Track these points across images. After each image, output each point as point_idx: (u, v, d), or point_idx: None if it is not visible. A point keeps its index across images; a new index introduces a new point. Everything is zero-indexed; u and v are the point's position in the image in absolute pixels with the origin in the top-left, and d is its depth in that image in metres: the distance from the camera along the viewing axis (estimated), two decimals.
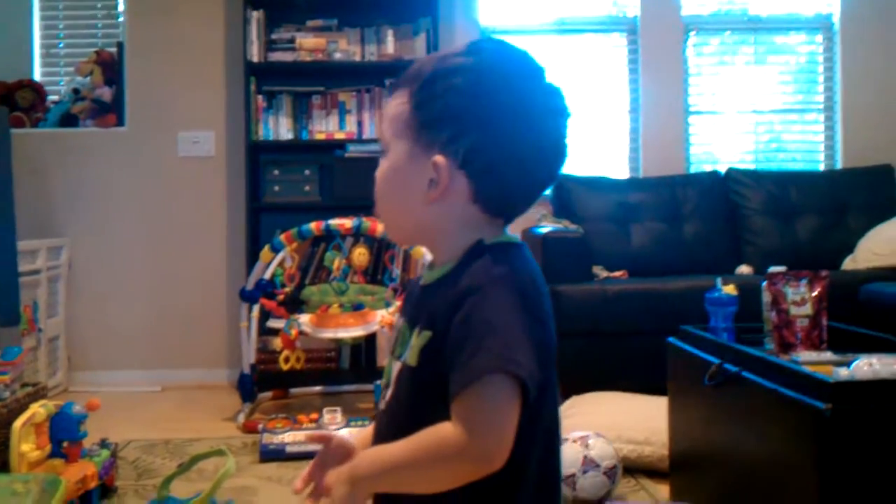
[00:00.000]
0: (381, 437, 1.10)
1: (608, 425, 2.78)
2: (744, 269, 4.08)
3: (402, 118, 1.11)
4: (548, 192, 4.44)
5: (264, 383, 3.96)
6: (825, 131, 4.91)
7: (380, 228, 3.66)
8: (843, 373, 1.81)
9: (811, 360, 2.08)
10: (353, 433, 1.32)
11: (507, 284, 1.01)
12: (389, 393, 1.11)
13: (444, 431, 0.97)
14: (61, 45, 4.92)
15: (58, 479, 2.24)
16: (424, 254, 3.73)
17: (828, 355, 2.17)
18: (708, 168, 4.77)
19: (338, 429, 3.18)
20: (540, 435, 1.06)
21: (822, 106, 4.91)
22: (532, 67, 1.13)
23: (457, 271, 1.06)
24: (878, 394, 1.72)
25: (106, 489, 2.67)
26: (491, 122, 1.07)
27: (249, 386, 3.72)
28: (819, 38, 4.92)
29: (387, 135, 1.14)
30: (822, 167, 4.89)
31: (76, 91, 4.72)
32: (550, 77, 1.14)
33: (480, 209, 1.09)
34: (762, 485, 1.98)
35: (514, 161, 1.08)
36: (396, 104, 1.13)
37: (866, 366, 1.81)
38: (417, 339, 1.06)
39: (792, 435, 1.81)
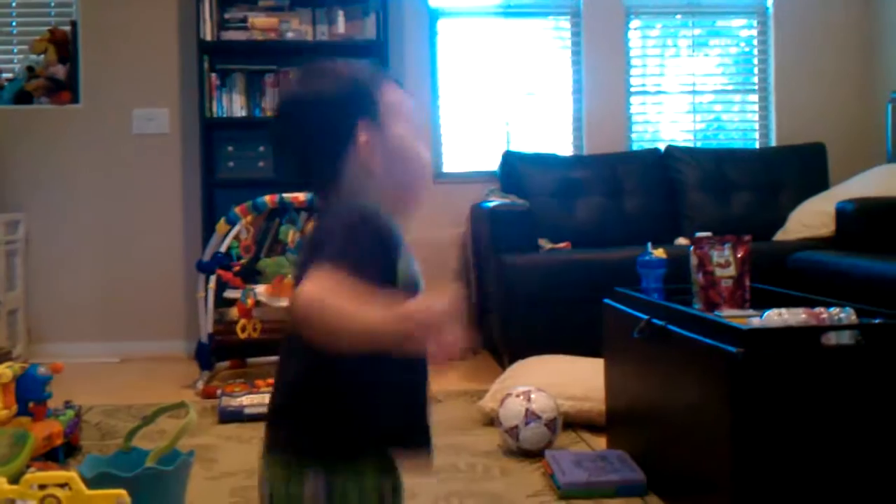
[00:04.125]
0: None
1: (550, 383, 2.94)
2: (682, 242, 4.28)
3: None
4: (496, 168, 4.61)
5: (221, 353, 4.07)
6: (760, 111, 5.13)
7: None
8: (755, 321, 2.00)
9: (732, 315, 2.26)
10: None
11: None
12: None
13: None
14: (14, 24, 4.95)
15: (27, 433, 2.36)
16: None
17: (749, 312, 2.35)
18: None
19: None
20: None
21: (757, 87, 5.13)
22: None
23: None
24: (786, 340, 1.90)
25: (71, 448, 2.79)
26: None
27: (207, 355, 3.84)
28: (755, 21, 5.14)
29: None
30: (758, 146, 5.12)
31: (30, 69, 4.77)
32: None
33: None
34: (685, 429, 2.16)
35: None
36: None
37: (776, 315, 2.00)
38: None
39: (709, 380, 1.99)
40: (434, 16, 4.92)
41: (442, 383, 3.83)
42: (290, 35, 4.55)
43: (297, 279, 1.12)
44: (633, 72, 5.06)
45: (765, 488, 1.86)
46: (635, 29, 5.07)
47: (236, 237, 3.90)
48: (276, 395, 1.25)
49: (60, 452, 2.67)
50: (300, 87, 1.28)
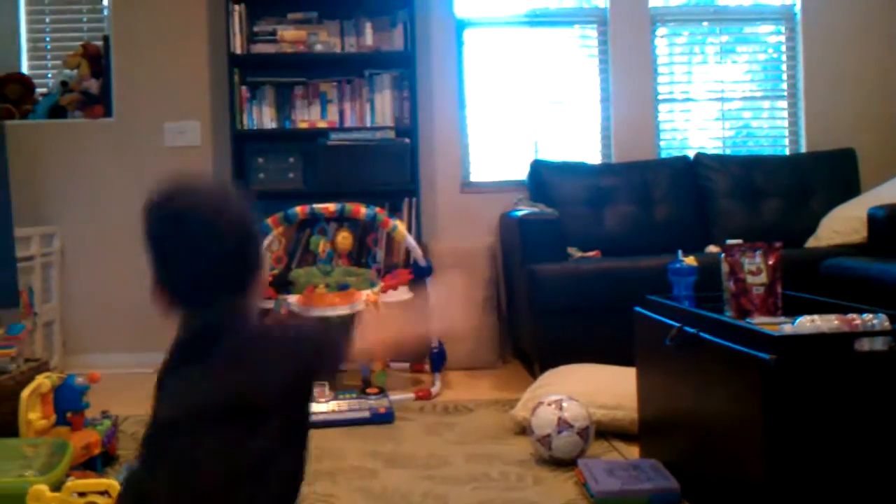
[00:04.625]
0: None
1: (582, 392, 2.95)
2: (712, 249, 4.26)
3: None
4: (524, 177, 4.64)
5: None
6: (789, 118, 5.11)
7: (362, 212, 3.83)
8: (787, 328, 1.99)
9: (764, 322, 2.26)
10: None
11: None
12: None
13: None
14: (48, 39, 5.04)
15: (65, 443, 2.39)
16: (406, 236, 3.90)
17: (781, 319, 2.35)
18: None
19: (326, 402, 3.36)
20: None
21: (786, 93, 5.11)
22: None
23: None
24: (819, 346, 1.90)
25: (108, 457, 2.83)
26: None
27: None
28: (783, 27, 5.12)
29: None
30: (787, 152, 5.09)
31: (64, 83, 4.85)
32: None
33: None
34: (718, 437, 2.16)
35: None
36: None
37: (809, 322, 1.99)
38: None
39: (742, 387, 1.98)
40: (461, 26, 4.95)
41: (473, 392, 3.85)
42: (318, 47, 4.60)
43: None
44: (660, 79, 5.06)
45: (799, 496, 1.86)
46: (662, 36, 5.07)
47: (268, 248, 3.94)
48: None
49: (98, 462, 2.71)
50: (222, 198, 1.43)
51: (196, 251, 1.34)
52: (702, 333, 2.20)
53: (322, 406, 3.38)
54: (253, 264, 1.40)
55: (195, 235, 1.34)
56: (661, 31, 5.05)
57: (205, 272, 1.35)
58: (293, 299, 3.76)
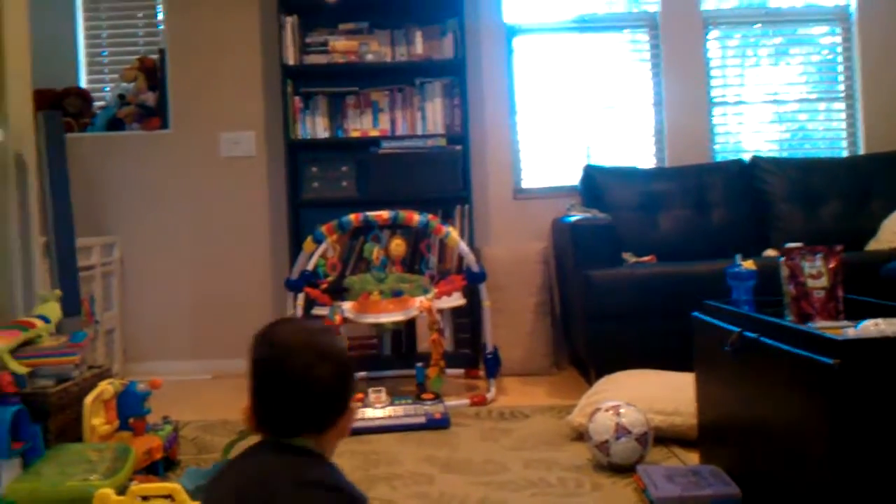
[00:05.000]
0: None
1: (640, 397, 2.93)
2: (770, 253, 4.21)
3: None
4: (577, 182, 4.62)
5: None
6: (847, 119, 5.03)
7: (415, 219, 3.84)
8: (850, 332, 1.96)
9: (826, 326, 2.22)
10: None
11: None
12: None
13: None
14: (105, 53, 5.14)
15: (128, 448, 2.44)
16: (459, 242, 3.90)
17: (843, 323, 2.31)
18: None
19: (383, 407, 3.38)
20: None
21: (843, 94, 5.03)
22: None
23: None
24: (884, 350, 1.86)
25: (170, 462, 2.87)
26: None
27: None
28: (838, 28, 5.04)
29: None
30: (845, 154, 5.01)
31: (122, 96, 4.95)
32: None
33: None
34: (781, 443, 2.12)
35: None
36: None
37: (873, 325, 1.96)
38: None
39: (805, 392, 1.95)
40: (510, 33, 4.96)
41: (528, 398, 3.84)
42: (369, 57, 4.63)
43: None
44: (713, 82, 5.01)
45: (864, 502, 1.82)
46: (714, 39, 5.02)
47: (323, 255, 3.98)
48: None
49: (160, 466, 2.75)
50: (324, 346, 1.47)
51: (291, 393, 1.40)
52: (762, 338, 2.17)
53: (378, 411, 3.40)
54: (340, 410, 1.45)
55: (293, 380, 1.41)
56: (713, 33, 5.01)
57: (295, 412, 1.41)
58: (347, 306, 3.79)
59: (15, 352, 2.79)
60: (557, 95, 5.00)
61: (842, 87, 5.04)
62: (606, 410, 2.74)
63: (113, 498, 1.96)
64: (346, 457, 3.00)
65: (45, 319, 3.00)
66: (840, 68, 5.05)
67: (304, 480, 1.35)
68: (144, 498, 1.98)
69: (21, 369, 2.73)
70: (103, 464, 2.30)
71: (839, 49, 5.05)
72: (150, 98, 4.94)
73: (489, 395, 3.82)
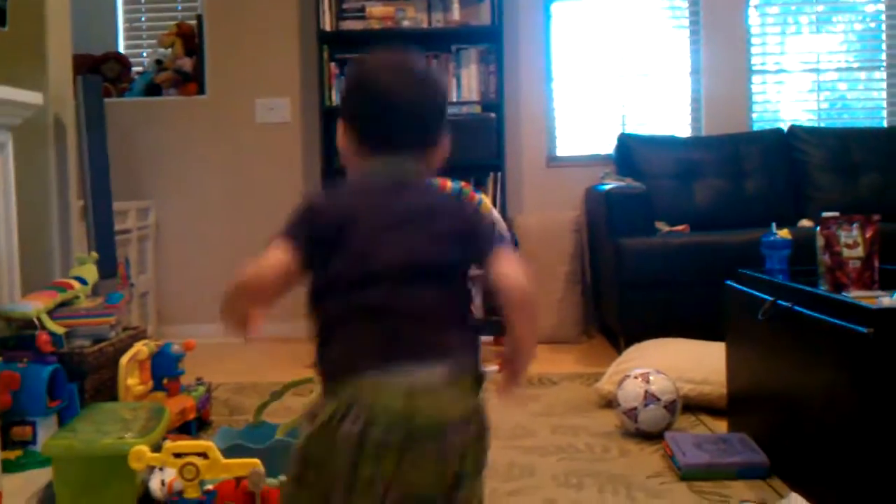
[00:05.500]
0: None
1: (669, 366, 2.92)
2: (805, 223, 4.16)
3: None
4: (610, 151, 4.58)
5: None
6: (888, 89, 4.93)
7: (448, 186, 3.83)
8: (885, 301, 1.94)
9: (860, 295, 2.20)
10: None
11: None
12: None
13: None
14: (143, 19, 5.18)
15: (162, 407, 2.47)
16: (492, 210, 3.88)
17: (878, 293, 2.28)
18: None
19: None
20: None
21: (885, 63, 4.93)
22: (369, 70, 1.44)
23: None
24: None
25: (202, 422, 2.92)
26: (346, 99, 1.45)
27: None
28: None
29: None
30: (885, 124, 4.92)
31: (159, 62, 4.98)
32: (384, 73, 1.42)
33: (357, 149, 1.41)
34: (812, 413, 2.11)
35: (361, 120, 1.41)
36: None
37: None
38: None
39: (838, 362, 1.94)
40: (548, 0, 4.91)
41: (557, 366, 3.85)
42: (406, 23, 4.61)
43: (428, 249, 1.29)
44: (753, 50, 4.93)
45: (894, 472, 1.81)
46: (754, 7, 4.94)
47: None
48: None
49: (193, 426, 2.79)
50: (428, 67, 1.49)
51: (419, 93, 1.40)
52: (796, 307, 2.16)
53: None
54: (444, 125, 1.45)
55: (420, 77, 1.42)
56: (753, 0, 4.92)
57: (422, 116, 1.41)
58: None
59: (52, 312, 2.84)
60: (594, 63, 4.96)
61: (884, 55, 4.94)
62: (635, 378, 2.74)
63: (148, 455, 1.99)
64: None
65: (83, 281, 3.05)
66: (883, 36, 4.95)
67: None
68: (178, 455, 2.01)
69: (58, 329, 2.78)
70: (138, 422, 2.33)
71: (883, 17, 4.95)
72: (187, 63, 4.96)
73: None
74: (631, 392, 2.71)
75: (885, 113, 4.95)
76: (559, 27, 4.95)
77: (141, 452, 1.99)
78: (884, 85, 4.95)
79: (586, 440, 2.73)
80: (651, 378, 2.72)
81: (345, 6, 4.67)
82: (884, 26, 4.94)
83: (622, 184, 4.14)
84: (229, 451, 2.08)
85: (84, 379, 2.72)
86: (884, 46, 4.94)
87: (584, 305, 4.53)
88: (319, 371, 1.30)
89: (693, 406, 2.95)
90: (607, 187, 4.03)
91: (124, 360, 2.70)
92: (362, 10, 4.64)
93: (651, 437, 2.68)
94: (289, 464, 1.31)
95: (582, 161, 4.84)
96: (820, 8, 5.00)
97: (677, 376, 2.89)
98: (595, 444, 2.69)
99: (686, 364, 3.02)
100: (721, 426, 2.78)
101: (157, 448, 2.07)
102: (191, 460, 1.97)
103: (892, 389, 1.82)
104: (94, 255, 3.28)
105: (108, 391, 2.79)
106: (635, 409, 2.68)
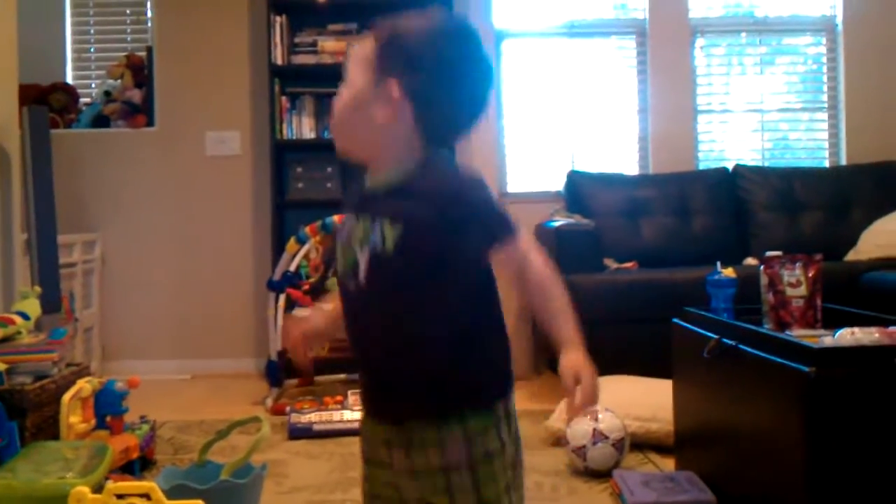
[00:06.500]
0: (363, 313, 1.34)
1: (617, 403, 2.93)
2: (750, 262, 4.23)
3: (368, 55, 1.32)
4: (561, 188, 4.62)
5: (291, 371, 4.13)
6: (829, 129, 5.06)
7: None
8: (827, 340, 1.97)
9: (803, 334, 2.24)
10: (316, 315, 1.53)
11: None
12: (362, 277, 1.31)
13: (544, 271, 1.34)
14: (92, 50, 5.13)
15: (105, 446, 2.43)
16: None
17: (821, 332, 2.32)
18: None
19: (353, 411, 3.37)
20: None
21: (826, 105, 5.06)
22: (470, 34, 1.35)
23: (417, 177, 1.31)
24: (859, 359, 1.87)
25: (146, 462, 2.86)
26: (436, 68, 1.29)
27: (276, 372, 3.90)
28: (823, 39, 5.07)
29: (352, 70, 1.34)
30: (827, 164, 5.04)
31: (108, 93, 4.93)
32: (484, 44, 1.37)
33: (420, 135, 1.32)
34: (757, 450, 2.13)
35: (448, 100, 1.32)
36: (364, 46, 1.34)
37: (849, 334, 1.98)
38: (391, 231, 1.27)
39: (781, 400, 1.96)
40: (499, 37, 4.96)
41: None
42: None
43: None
44: (699, 90, 5.04)
45: None
46: (701, 48, 5.05)
47: (306, 256, 3.97)
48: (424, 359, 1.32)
49: (136, 465, 2.74)
50: None
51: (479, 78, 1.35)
52: (741, 345, 2.18)
53: (357, 414, 3.38)
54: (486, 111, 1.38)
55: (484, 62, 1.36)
56: (699, 42, 5.04)
57: (473, 101, 1.35)
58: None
59: None
60: (544, 100, 5.02)
61: (825, 97, 5.08)
62: (584, 416, 2.75)
63: (88, 496, 1.94)
64: (324, 459, 3.00)
65: (25, 316, 2.98)
66: (824, 78, 5.08)
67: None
68: (120, 496, 1.96)
69: None
70: (79, 462, 2.28)
71: (824, 59, 5.09)
72: (136, 95, 4.92)
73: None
74: (579, 430, 2.72)
75: (826, 153, 5.07)
76: (509, 65, 5.01)
77: (81, 494, 1.94)
78: (825, 126, 5.07)
79: (535, 479, 2.72)
80: (600, 416, 2.74)
81: (297, 40, 4.68)
82: (825, 69, 5.08)
83: (571, 221, 4.17)
84: (173, 492, 2.04)
85: (25, 417, 2.64)
86: (825, 88, 5.08)
87: (534, 341, 4.54)
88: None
89: (641, 444, 2.97)
90: (556, 224, 4.07)
91: (67, 397, 2.64)
92: (314, 44, 4.65)
93: (600, 475, 2.69)
94: None
95: (532, 197, 4.87)
96: (764, 50, 5.13)
97: (625, 413, 2.90)
98: (544, 483, 2.68)
99: (634, 401, 3.04)
100: (669, 464, 2.79)
101: (98, 489, 2.02)
102: (132, 502, 1.93)
103: (833, 428, 1.84)
104: (38, 289, 3.21)
105: (50, 429, 2.72)
106: (584, 447, 2.69)
